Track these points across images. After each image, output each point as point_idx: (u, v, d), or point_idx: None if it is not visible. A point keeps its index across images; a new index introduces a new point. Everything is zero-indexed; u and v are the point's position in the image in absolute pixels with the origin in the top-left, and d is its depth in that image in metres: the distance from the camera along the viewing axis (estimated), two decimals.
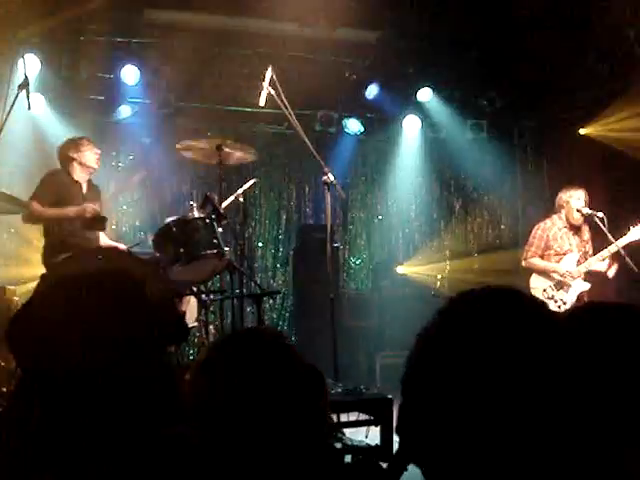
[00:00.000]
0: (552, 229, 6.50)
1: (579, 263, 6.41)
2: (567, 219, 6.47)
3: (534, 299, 1.12)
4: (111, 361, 1.21)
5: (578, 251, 6.45)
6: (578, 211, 6.37)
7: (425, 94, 8.67)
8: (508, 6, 7.29)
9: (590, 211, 6.32)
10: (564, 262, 6.42)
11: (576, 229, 6.51)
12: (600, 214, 6.24)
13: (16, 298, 5.71)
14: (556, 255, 6.45)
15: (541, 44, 7.79)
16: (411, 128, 9.04)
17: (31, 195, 5.71)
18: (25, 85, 4.53)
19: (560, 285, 6.38)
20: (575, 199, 6.42)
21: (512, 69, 8.37)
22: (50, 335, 1.21)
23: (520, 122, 9.60)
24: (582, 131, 8.47)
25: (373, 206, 9.44)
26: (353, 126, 8.77)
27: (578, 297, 6.35)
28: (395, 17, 7.53)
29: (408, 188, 9.41)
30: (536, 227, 6.62)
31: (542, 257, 6.51)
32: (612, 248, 6.20)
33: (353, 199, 9.29)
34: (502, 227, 9.75)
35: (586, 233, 6.56)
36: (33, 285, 4.98)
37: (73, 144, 5.91)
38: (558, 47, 7.74)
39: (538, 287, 6.42)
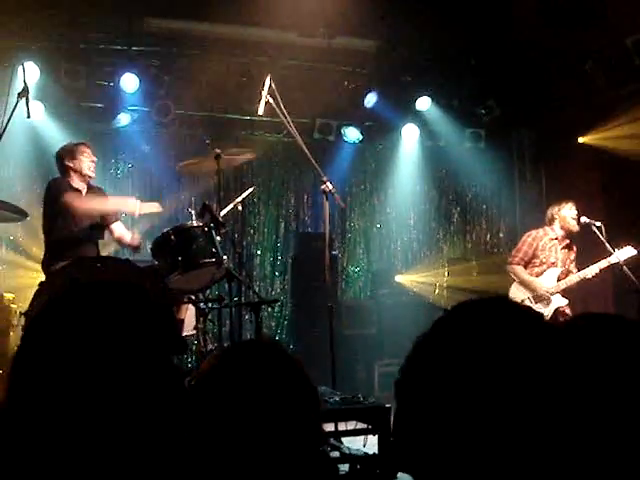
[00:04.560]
0: (543, 238, 6.52)
1: (560, 279, 6.42)
2: (563, 229, 6.49)
3: (530, 310, 1.13)
4: (119, 372, 1.21)
5: (562, 266, 6.47)
6: (573, 219, 6.39)
7: (424, 103, 8.68)
8: (507, 15, 7.32)
9: (588, 220, 6.33)
10: (545, 276, 6.45)
11: (566, 244, 6.53)
12: (598, 223, 6.25)
13: (14, 306, 5.70)
14: (540, 265, 6.47)
15: (539, 53, 7.82)
16: (410, 137, 9.05)
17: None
18: (25, 93, 4.53)
19: (539, 298, 6.39)
20: (567, 209, 6.48)
21: (510, 78, 8.39)
22: (65, 342, 1.20)
23: (518, 131, 9.63)
24: (581, 139, 8.48)
25: (372, 214, 9.43)
26: (352, 134, 8.77)
27: (555, 311, 6.34)
28: (394, 26, 7.55)
29: (407, 197, 9.40)
30: (527, 234, 6.63)
31: (526, 265, 6.53)
32: (602, 264, 6.21)
33: (352, 207, 9.28)
34: (500, 235, 9.75)
35: (573, 252, 6.58)
36: (31, 293, 4.95)
37: (69, 152, 5.68)
38: (556, 56, 7.77)
39: (517, 298, 6.39)
